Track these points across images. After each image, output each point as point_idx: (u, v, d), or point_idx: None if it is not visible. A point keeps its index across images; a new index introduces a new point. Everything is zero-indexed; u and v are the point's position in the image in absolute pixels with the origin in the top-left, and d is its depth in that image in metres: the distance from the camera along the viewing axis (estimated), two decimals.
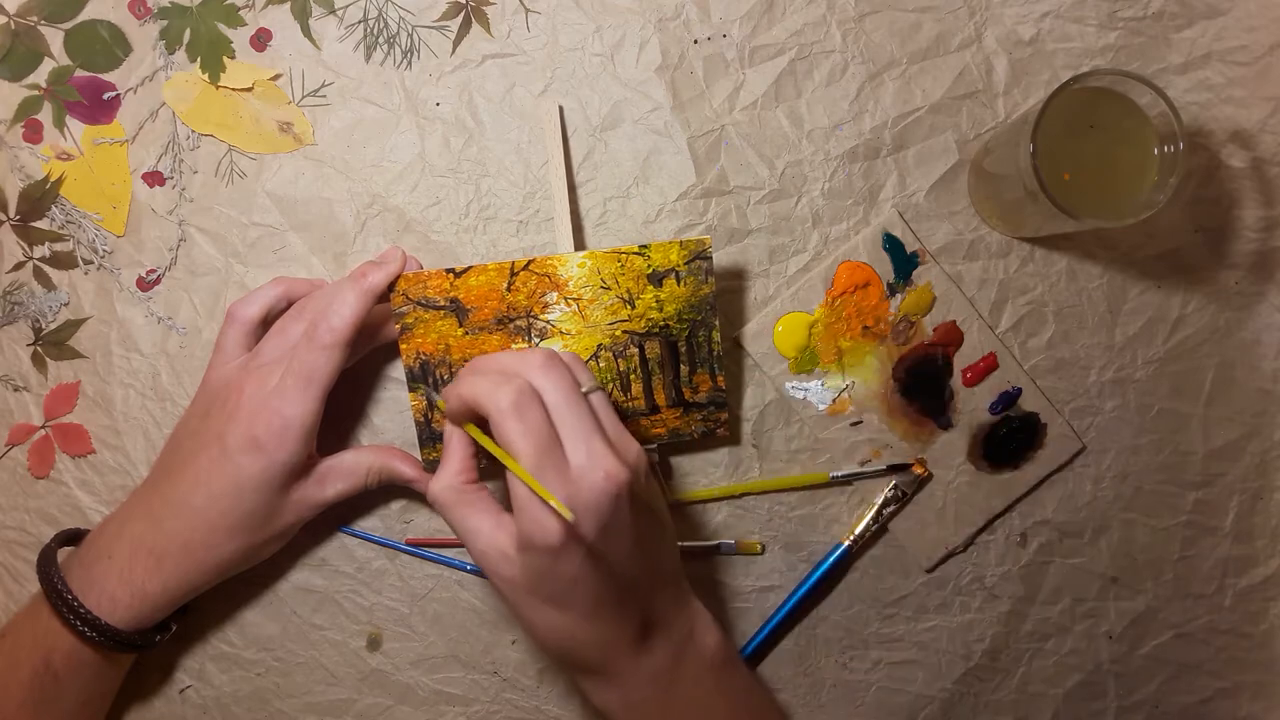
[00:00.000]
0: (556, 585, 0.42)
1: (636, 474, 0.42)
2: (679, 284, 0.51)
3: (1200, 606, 0.57)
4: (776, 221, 0.55)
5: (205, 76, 0.55)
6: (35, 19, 0.55)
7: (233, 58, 0.55)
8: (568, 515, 0.39)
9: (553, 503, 0.39)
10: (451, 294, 0.51)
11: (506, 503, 0.44)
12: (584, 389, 0.43)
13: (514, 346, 0.52)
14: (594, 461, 0.41)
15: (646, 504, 0.44)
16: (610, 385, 0.52)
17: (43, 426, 0.57)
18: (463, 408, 0.43)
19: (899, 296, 0.55)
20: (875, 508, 0.56)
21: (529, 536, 0.41)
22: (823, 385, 0.56)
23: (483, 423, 0.43)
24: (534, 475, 0.40)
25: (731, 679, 0.49)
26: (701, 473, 0.56)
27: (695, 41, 0.55)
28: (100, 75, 0.55)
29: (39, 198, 0.56)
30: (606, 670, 0.46)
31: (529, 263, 0.51)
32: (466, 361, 0.51)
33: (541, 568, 0.42)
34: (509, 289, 0.51)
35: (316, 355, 0.48)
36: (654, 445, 0.53)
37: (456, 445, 0.46)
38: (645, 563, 0.44)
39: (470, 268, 0.51)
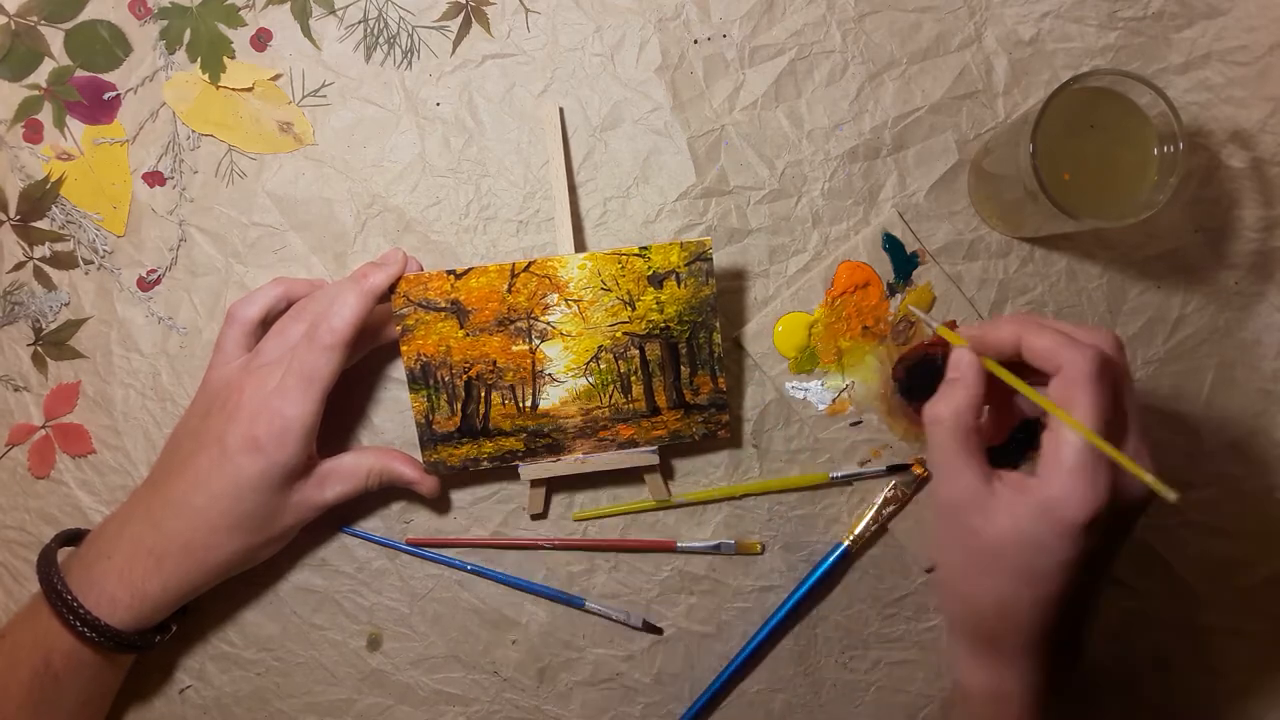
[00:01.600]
0: (1041, 560, 0.38)
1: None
2: (679, 286, 0.51)
3: (1199, 607, 0.57)
4: (776, 221, 0.55)
5: (205, 76, 0.55)
6: (35, 19, 0.55)
7: (233, 58, 0.55)
8: (1171, 496, 0.36)
9: (1150, 480, 0.36)
10: (452, 295, 0.51)
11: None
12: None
13: (514, 349, 0.52)
14: (1144, 461, 0.38)
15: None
16: (611, 387, 0.52)
17: (43, 426, 0.57)
18: (1011, 348, 0.41)
19: (899, 296, 0.55)
20: (875, 508, 0.56)
21: (1054, 504, 0.37)
22: (822, 385, 0.56)
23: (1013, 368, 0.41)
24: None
25: None
26: (702, 473, 0.56)
27: (695, 41, 0.55)
28: (100, 75, 0.55)
29: (39, 198, 0.56)
30: (1013, 664, 0.42)
31: (530, 264, 0.51)
32: (467, 362, 0.51)
33: (1040, 538, 0.38)
34: (510, 290, 0.51)
35: (317, 356, 0.48)
36: (654, 448, 0.53)
37: (974, 378, 0.41)
38: (1104, 585, 0.42)
39: (471, 269, 0.51)
